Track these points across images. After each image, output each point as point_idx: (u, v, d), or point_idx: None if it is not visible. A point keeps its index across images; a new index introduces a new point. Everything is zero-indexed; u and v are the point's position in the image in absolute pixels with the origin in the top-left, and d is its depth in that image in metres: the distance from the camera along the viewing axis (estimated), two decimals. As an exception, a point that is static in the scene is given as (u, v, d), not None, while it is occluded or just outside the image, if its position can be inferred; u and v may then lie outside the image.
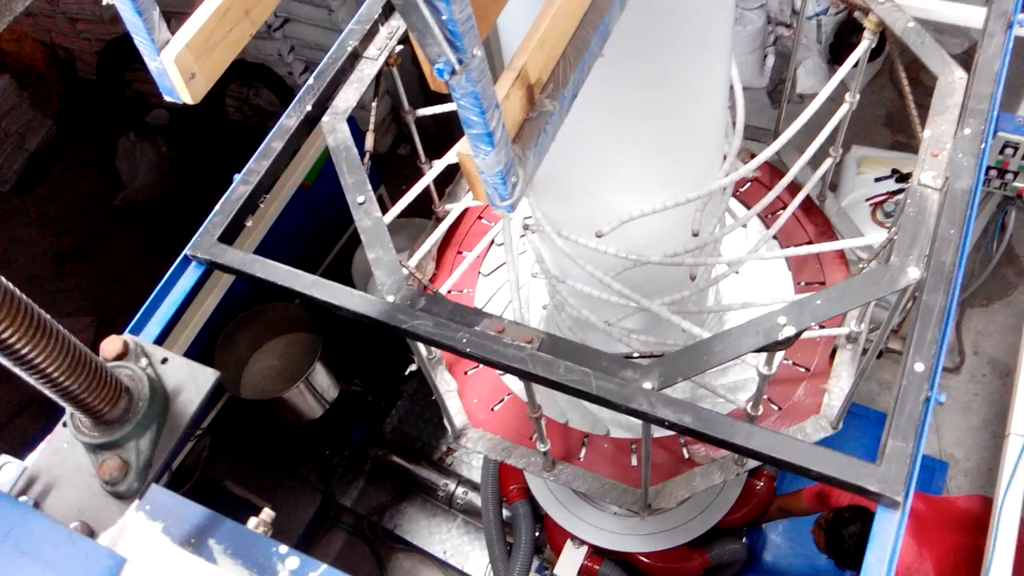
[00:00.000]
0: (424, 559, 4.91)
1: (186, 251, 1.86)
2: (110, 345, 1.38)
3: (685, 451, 2.37)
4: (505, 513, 3.98)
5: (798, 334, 1.60)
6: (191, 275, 1.88)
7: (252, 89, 6.38)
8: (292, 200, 3.76)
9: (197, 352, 4.20)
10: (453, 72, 0.74)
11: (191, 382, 1.43)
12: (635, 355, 1.83)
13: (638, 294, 2.13)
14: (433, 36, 0.72)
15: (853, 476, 1.41)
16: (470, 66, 0.75)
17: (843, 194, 5.00)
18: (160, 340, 1.91)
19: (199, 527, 1.37)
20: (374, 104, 2.05)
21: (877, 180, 4.84)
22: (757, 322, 1.60)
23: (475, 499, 4.44)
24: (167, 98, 1.05)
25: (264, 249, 4.03)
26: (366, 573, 4.97)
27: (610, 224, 1.90)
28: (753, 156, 2.94)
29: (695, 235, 1.96)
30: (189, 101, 1.03)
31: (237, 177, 1.95)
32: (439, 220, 2.76)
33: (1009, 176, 3.75)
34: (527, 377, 1.61)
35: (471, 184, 0.91)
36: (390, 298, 1.71)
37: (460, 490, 4.54)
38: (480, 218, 2.87)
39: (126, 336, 1.41)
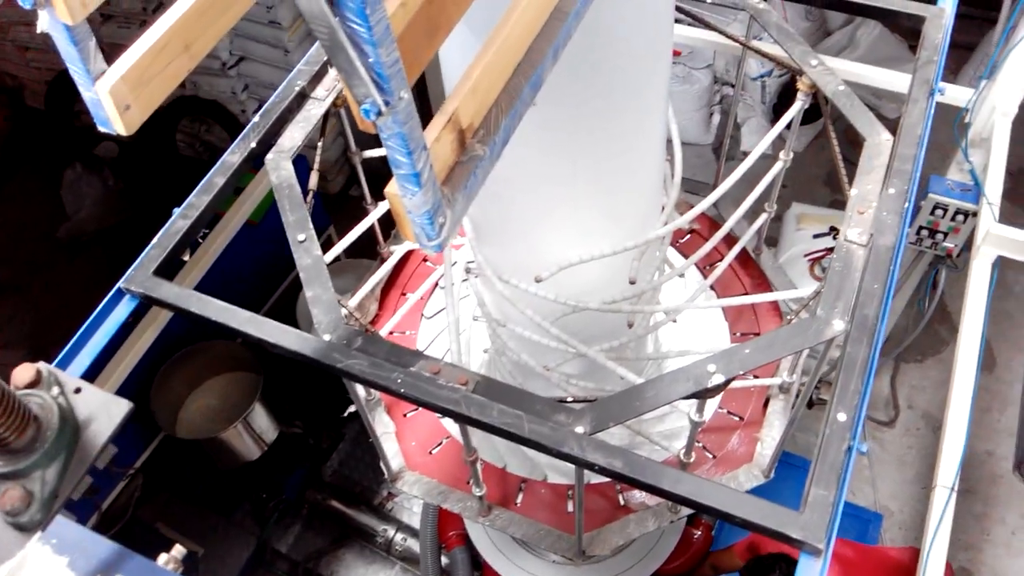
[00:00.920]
0: (360, 608, 4.80)
1: (120, 284, 1.84)
2: (22, 373, 1.34)
3: (621, 498, 2.38)
4: (444, 560, 3.92)
5: (727, 382, 1.64)
6: (124, 308, 1.85)
7: (204, 125, 6.36)
8: (237, 237, 3.72)
9: (133, 390, 4.11)
10: (380, 113, 0.76)
11: (103, 412, 1.40)
12: (569, 399, 1.85)
13: (577, 340, 2.16)
14: (360, 78, 0.74)
15: (776, 523, 1.43)
16: (397, 108, 0.77)
17: (783, 249, 5.14)
18: (91, 374, 1.87)
19: (106, 562, 1.34)
20: (319, 144, 2.06)
21: (815, 236, 4.99)
22: (688, 369, 1.64)
23: (414, 545, 4.38)
24: (101, 128, 1.05)
25: (206, 286, 3.98)
26: (300, 621, 4.84)
27: (549, 270, 1.93)
28: (691, 205, 3.03)
29: (632, 283, 2.00)
30: (123, 132, 1.03)
31: (177, 211, 1.94)
32: (383, 261, 2.77)
33: (940, 236, 3.90)
34: (461, 419, 1.61)
35: (399, 223, 0.92)
36: (326, 337, 1.71)
37: (399, 536, 4.47)
38: (425, 260, 2.89)
39: (39, 364, 1.38)
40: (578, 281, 2.04)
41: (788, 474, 2.54)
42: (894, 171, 1.88)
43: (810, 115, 6.61)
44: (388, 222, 2.73)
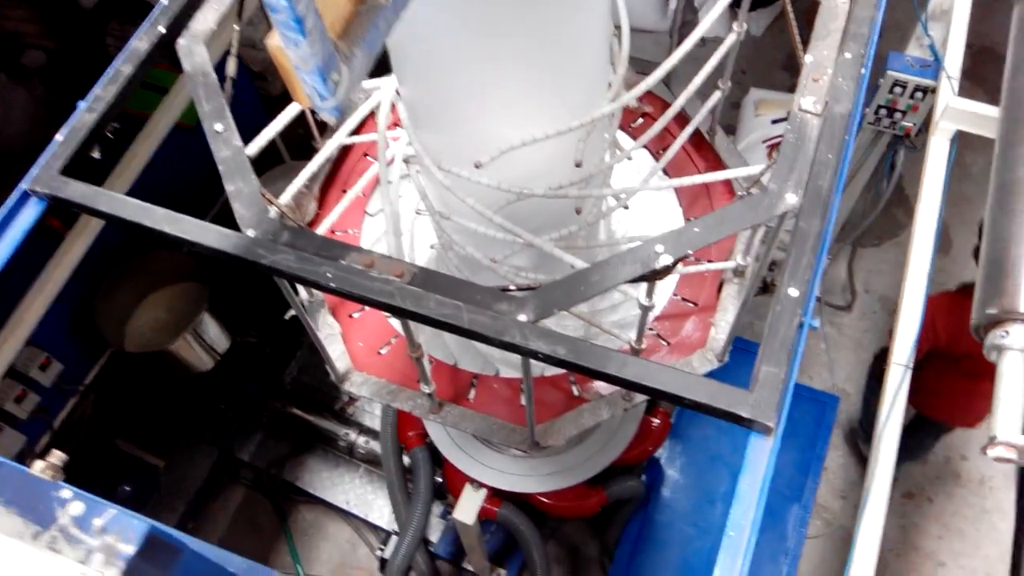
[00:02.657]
0: (327, 510, 4.85)
1: (23, 184, 1.69)
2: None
3: (575, 389, 2.34)
4: (406, 460, 3.93)
5: (676, 262, 1.57)
6: (31, 212, 1.71)
7: (135, 27, 5.99)
8: (170, 142, 3.53)
9: (73, 304, 3.98)
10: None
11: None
12: (512, 288, 1.77)
13: (524, 229, 2.07)
14: None
15: (725, 403, 1.38)
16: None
17: (741, 136, 5.05)
18: (7, 283, 1.75)
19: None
20: (236, 27, 1.90)
21: (774, 122, 4.90)
22: (634, 251, 1.56)
23: (377, 448, 4.38)
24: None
25: (137, 195, 3.80)
26: (268, 527, 4.88)
27: (489, 154, 1.81)
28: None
29: (579, 166, 1.89)
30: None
31: (81, 104, 1.78)
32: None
33: (898, 115, 3.83)
34: (395, 312, 1.53)
35: (288, 82, 0.81)
36: (250, 232, 1.60)
37: (361, 439, 4.47)
38: (366, 155, 2.75)
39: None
40: (522, 166, 1.93)
41: (745, 360, 2.52)
42: (850, 35, 1.77)
43: (768, -3, 6.39)
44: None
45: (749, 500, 1.35)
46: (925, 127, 3.80)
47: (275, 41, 0.76)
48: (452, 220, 2.19)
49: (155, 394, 4.63)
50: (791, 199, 1.58)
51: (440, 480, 3.81)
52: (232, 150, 1.69)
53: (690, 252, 1.55)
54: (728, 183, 2.63)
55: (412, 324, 1.86)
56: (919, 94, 3.65)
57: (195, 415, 4.70)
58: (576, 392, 2.34)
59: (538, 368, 2.44)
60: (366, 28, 0.83)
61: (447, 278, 1.55)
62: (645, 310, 1.77)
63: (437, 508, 4.28)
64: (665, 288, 2.49)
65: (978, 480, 4.82)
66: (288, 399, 4.65)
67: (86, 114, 1.77)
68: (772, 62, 6.36)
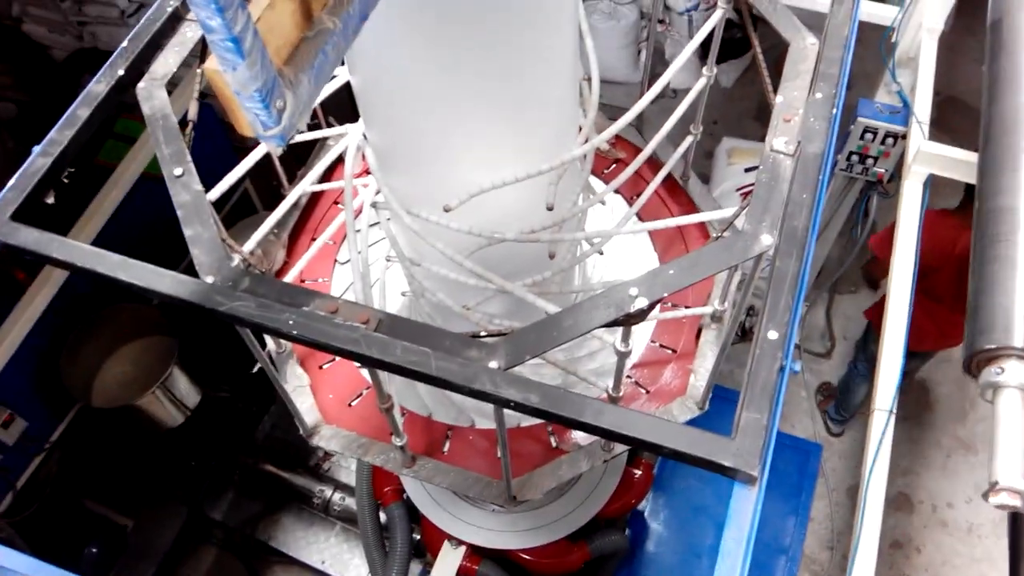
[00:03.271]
0: (302, 571, 4.68)
1: (-29, 232, 1.62)
2: None
3: (553, 440, 2.27)
4: (383, 517, 3.81)
5: (651, 305, 1.51)
6: (-19, 260, 1.64)
7: (108, 80, 5.97)
8: (138, 191, 3.47)
9: (36, 359, 3.87)
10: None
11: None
12: (483, 334, 1.71)
13: (497, 276, 2.02)
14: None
15: (706, 451, 1.32)
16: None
17: (715, 184, 5.07)
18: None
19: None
20: (198, 69, 1.85)
21: (747, 170, 4.93)
22: (608, 294, 1.51)
23: (353, 505, 4.24)
24: None
25: (103, 244, 3.73)
26: (240, 589, 4.70)
27: (458, 198, 1.77)
28: (616, 136, 2.90)
29: (550, 209, 1.85)
30: None
31: (36, 149, 1.73)
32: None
33: (870, 161, 3.85)
34: (361, 360, 1.46)
35: (229, 110, 0.76)
36: (208, 279, 1.53)
37: (337, 496, 4.34)
38: (336, 203, 2.71)
39: None
40: (492, 210, 1.89)
41: (726, 409, 2.46)
42: (820, 75, 1.75)
43: (738, 49, 6.52)
44: (297, 160, 2.54)
45: (735, 555, 1.28)
46: (897, 173, 3.82)
47: (212, 65, 0.71)
48: (423, 267, 2.14)
49: (123, 451, 4.49)
50: (766, 240, 1.54)
51: (418, 537, 3.70)
52: (191, 194, 1.64)
53: (665, 294, 1.50)
54: (703, 228, 2.60)
55: (381, 373, 1.79)
56: (890, 140, 3.68)
57: (165, 473, 4.55)
58: (554, 443, 2.27)
59: (514, 419, 2.37)
60: (314, 54, 0.79)
61: (415, 324, 1.49)
62: (622, 356, 1.71)
63: (416, 567, 4.13)
64: (642, 335, 2.45)
65: (966, 528, 4.74)
66: (261, 455, 4.52)
67: (40, 158, 1.71)
68: (743, 112, 6.44)
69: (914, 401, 5.07)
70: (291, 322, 1.46)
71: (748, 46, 6.36)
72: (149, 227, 3.77)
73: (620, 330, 1.65)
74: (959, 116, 5.63)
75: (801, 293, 1.48)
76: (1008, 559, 1.93)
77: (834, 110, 1.73)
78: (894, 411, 2.50)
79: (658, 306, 2.50)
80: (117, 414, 4.03)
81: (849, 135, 3.71)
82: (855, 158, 3.83)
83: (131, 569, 4.36)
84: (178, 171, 1.66)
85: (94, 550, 4.31)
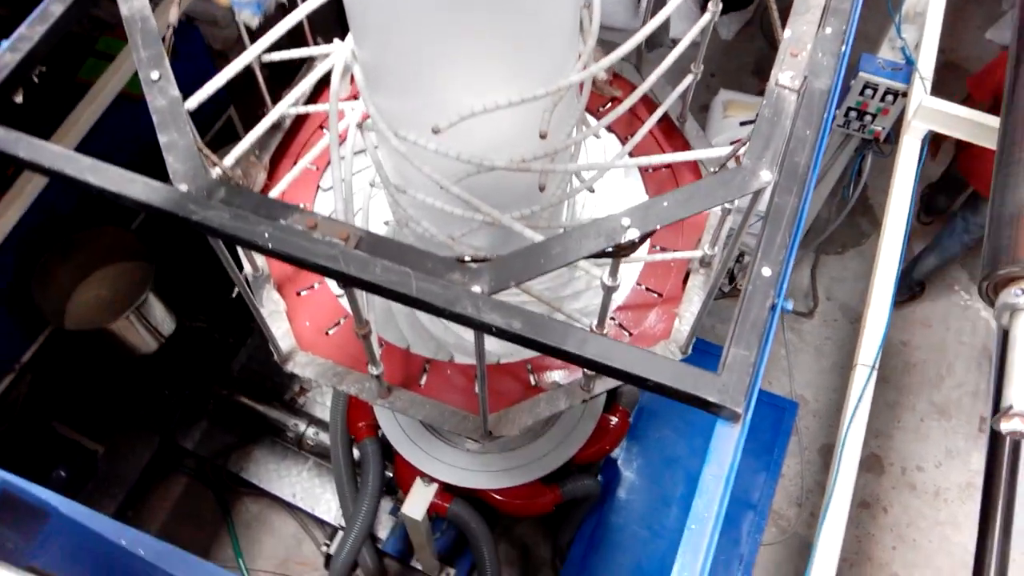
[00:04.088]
0: (272, 503, 4.69)
1: (-69, 129, 1.54)
2: None
3: (532, 378, 2.24)
4: (357, 453, 3.79)
5: (643, 238, 1.46)
6: (-57, 158, 1.56)
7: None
8: (116, 110, 3.35)
9: (11, 278, 3.78)
10: None
11: None
12: (467, 259, 1.65)
13: (484, 204, 1.96)
14: None
15: (691, 385, 1.28)
16: None
17: (710, 137, 4.99)
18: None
19: None
20: (180, -31, 1.76)
21: (743, 123, 4.85)
22: (599, 224, 1.45)
23: (326, 439, 4.23)
24: None
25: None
26: (210, 519, 4.71)
27: (449, 119, 1.70)
28: (616, 74, 2.82)
29: (543, 137, 1.78)
30: None
31: (4, 44, 1.63)
32: (273, 125, 2.50)
33: (868, 118, 3.79)
34: (339, 277, 1.40)
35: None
36: (183, 187, 1.46)
37: (311, 430, 4.32)
38: (322, 127, 2.62)
39: None
40: (483, 137, 1.83)
41: (708, 364, 2.43)
42: (831, 10, 1.68)
43: (741, 1, 6.39)
44: (280, 79, 2.45)
45: (713, 492, 1.25)
46: (895, 132, 3.76)
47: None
48: (408, 194, 2.07)
49: (96, 376, 4.44)
50: (765, 176, 1.48)
51: (390, 475, 3.69)
52: (168, 100, 1.56)
53: (658, 226, 1.45)
54: (697, 170, 2.55)
55: (360, 297, 1.74)
56: (890, 97, 3.61)
57: (137, 400, 4.51)
58: (533, 381, 2.23)
59: (494, 355, 2.33)
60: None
61: (396, 244, 1.43)
62: (608, 291, 1.66)
63: (387, 504, 4.15)
64: (629, 277, 2.40)
65: (933, 492, 4.80)
66: (236, 387, 4.49)
67: (8, 54, 1.62)
68: (742, 66, 6.34)
69: (891, 365, 5.10)
70: (267, 235, 1.39)
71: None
72: (127, 149, 3.66)
73: (609, 264, 1.61)
74: (958, 83, 5.56)
75: (798, 231, 1.44)
76: (979, 518, 1.92)
77: (843, 47, 1.67)
78: (876, 366, 2.48)
79: (647, 248, 2.47)
80: (90, 337, 3.96)
81: (849, 90, 3.64)
82: (853, 114, 3.77)
83: (100, 494, 4.34)
84: (155, 75, 1.58)
85: (62, 473, 4.28)
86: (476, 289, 1.38)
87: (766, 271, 1.38)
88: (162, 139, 1.53)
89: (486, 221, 1.99)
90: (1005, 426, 1.56)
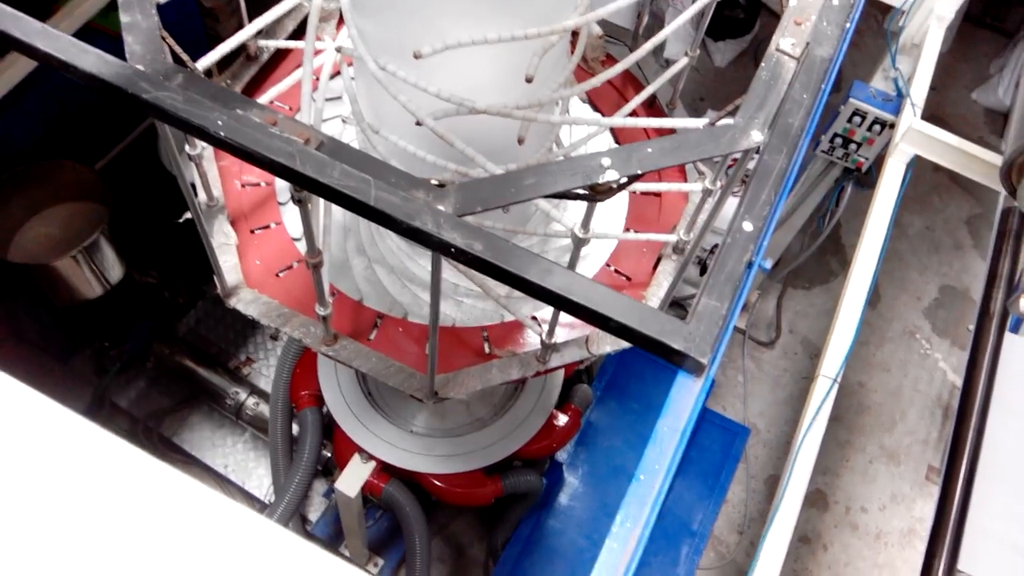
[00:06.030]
0: (202, 473, 4.48)
1: None
2: None
3: (487, 346, 2.14)
4: (296, 429, 3.65)
5: (621, 186, 1.38)
6: None
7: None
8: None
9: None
10: None
11: None
12: (435, 182, 1.55)
13: (458, 161, 1.87)
14: None
15: (657, 331, 1.19)
16: None
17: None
18: None
19: None
20: None
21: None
22: (577, 161, 1.37)
23: (266, 412, 4.07)
24: None
25: (32, 95, 3.45)
26: (135, 482, 4.50)
27: (432, 46, 1.61)
28: (613, 59, 2.75)
29: (529, 81, 1.70)
30: None
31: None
32: (248, 57, 2.41)
33: (853, 147, 3.77)
34: (293, 178, 1.30)
35: None
36: (139, 67, 1.35)
37: (251, 400, 4.15)
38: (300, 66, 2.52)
39: None
40: (467, 74, 1.74)
41: (664, 376, 2.36)
42: (839, -16, 1.63)
43: (738, 29, 6.40)
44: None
45: (667, 444, 1.16)
46: (876, 166, 3.75)
47: None
48: (381, 134, 1.97)
49: (34, 318, 4.24)
50: (756, 136, 1.42)
51: (328, 455, 3.55)
52: (135, -23, 1.45)
53: (639, 172, 1.37)
54: (682, 166, 2.48)
55: (314, 219, 1.63)
56: (877, 127, 3.59)
57: (73, 347, 4.31)
58: (487, 349, 2.14)
59: (449, 319, 2.23)
60: None
61: (360, 153, 1.34)
62: (578, 243, 1.57)
63: (321, 486, 4.01)
64: (598, 258, 2.32)
65: (875, 534, 4.76)
66: (179, 348, 4.31)
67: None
68: (732, 94, 6.31)
69: (846, 404, 5.07)
70: (220, 122, 1.29)
71: (748, 28, 6.26)
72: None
73: (582, 215, 1.52)
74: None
75: (785, 192, 1.36)
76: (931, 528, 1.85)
77: (848, 24, 1.62)
78: (838, 380, 2.42)
79: (621, 227, 2.39)
80: (32, 272, 3.77)
81: (838, 116, 3.62)
82: (839, 140, 3.74)
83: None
84: (122, -48, 1.47)
85: (-14, 415, 4.07)
86: (441, 208, 1.29)
87: (747, 226, 1.31)
88: (124, 18, 1.43)
89: (458, 171, 1.91)
90: None
